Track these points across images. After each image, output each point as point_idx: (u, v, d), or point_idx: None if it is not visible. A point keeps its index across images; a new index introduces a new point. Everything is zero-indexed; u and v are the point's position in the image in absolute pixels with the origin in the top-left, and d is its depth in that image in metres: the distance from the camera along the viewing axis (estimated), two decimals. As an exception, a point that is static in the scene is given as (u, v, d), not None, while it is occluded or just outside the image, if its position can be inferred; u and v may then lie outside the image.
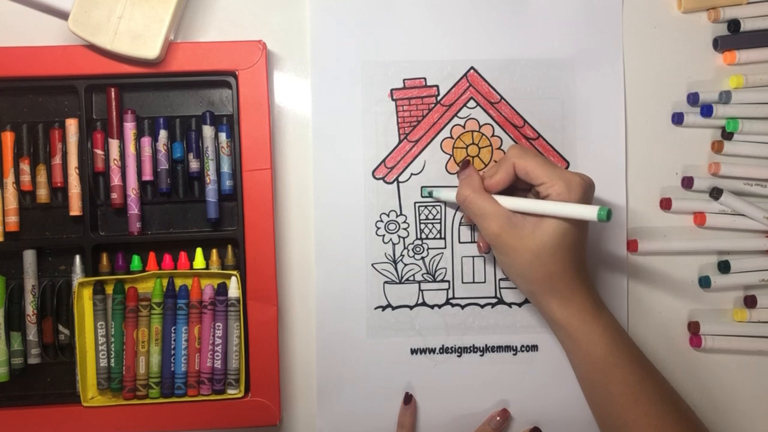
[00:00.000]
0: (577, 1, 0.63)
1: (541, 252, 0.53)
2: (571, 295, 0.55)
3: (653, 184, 0.64)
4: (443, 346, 0.63)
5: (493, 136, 0.63)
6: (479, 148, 0.63)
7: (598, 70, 0.63)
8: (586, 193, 0.53)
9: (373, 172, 0.62)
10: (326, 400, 0.62)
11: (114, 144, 0.59)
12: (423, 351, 0.63)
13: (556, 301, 0.55)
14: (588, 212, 0.50)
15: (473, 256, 0.63)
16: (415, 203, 0.62)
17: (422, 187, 0.62)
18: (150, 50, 0.57)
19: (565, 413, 0.63)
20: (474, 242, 0.63)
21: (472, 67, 0.63)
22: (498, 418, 0.62)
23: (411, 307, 0.63)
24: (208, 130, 0.60)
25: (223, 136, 0.60)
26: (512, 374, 0.63)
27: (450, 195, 0.60)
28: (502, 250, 0.55)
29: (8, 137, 0.59)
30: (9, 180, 0.59)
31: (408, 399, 0.62)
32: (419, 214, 0.63)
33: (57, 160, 0.60)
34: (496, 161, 0.63)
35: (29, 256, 0.60)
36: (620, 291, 0.64)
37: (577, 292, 0.55)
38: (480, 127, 0.63)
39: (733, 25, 0.64)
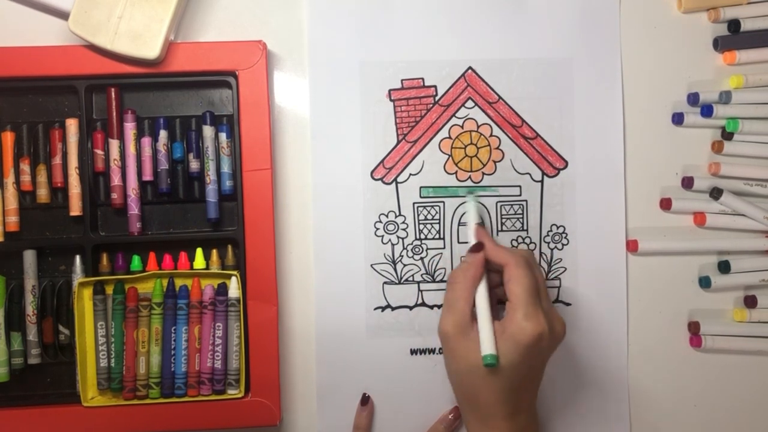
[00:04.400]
0: (574, 1, 0.63)
1: (473, 370, 0.51)
2: (492, 421, 0.53)
3: (653, 184, 0.64)
4: (443, 346, 0.63)
5: (491, 135, 0.63)
6: (477, 148, 0.63)
7: (596, 70, 0.63)
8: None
9: (372, 172, 0.62)
10: (326, 400, 0.62)
11: (114, 144, 0.60)
12: (423, 351, 0.63)
13: (475, 420, 0.54)
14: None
15: (473, 256, 0.63)
16: (413, 204, 0.62)
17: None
18: (150, 50, 0.57)
19: (564, 413, 0.63)
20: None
21: (470, 67, 0.63)
22: (450, 417, 0.62)
23: (410, 308, 0.63)
24: (208, 130, 0.60)
25: (223, 136, 0.60)
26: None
27: (471, 214, 0.59)
28: (444, 348, 0.54)
29: (8, 137, 0.60)
30: (9, 180, 0.59)
31: (365, 400, 0.62)
32: (418, 215, 0.62)
33: (57, 160, 0.60)
34: (494, 161, 0.63)
35: (29, 256, 0.60)
36: (620, 291, 0.64)
37: (500, 420, 0.52)
38: (478, 126, 0.63)
39: (733, 25, 0.64)
